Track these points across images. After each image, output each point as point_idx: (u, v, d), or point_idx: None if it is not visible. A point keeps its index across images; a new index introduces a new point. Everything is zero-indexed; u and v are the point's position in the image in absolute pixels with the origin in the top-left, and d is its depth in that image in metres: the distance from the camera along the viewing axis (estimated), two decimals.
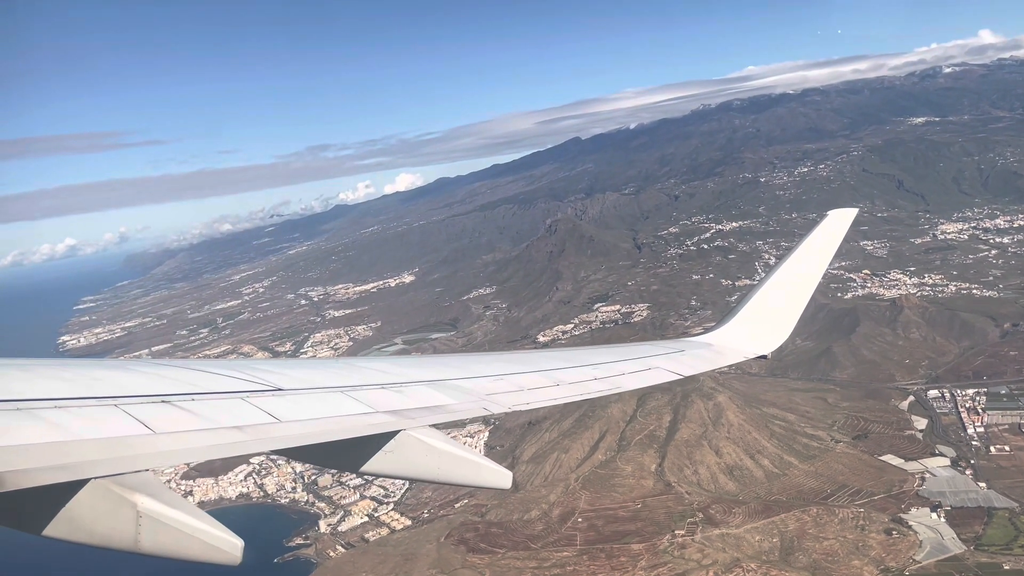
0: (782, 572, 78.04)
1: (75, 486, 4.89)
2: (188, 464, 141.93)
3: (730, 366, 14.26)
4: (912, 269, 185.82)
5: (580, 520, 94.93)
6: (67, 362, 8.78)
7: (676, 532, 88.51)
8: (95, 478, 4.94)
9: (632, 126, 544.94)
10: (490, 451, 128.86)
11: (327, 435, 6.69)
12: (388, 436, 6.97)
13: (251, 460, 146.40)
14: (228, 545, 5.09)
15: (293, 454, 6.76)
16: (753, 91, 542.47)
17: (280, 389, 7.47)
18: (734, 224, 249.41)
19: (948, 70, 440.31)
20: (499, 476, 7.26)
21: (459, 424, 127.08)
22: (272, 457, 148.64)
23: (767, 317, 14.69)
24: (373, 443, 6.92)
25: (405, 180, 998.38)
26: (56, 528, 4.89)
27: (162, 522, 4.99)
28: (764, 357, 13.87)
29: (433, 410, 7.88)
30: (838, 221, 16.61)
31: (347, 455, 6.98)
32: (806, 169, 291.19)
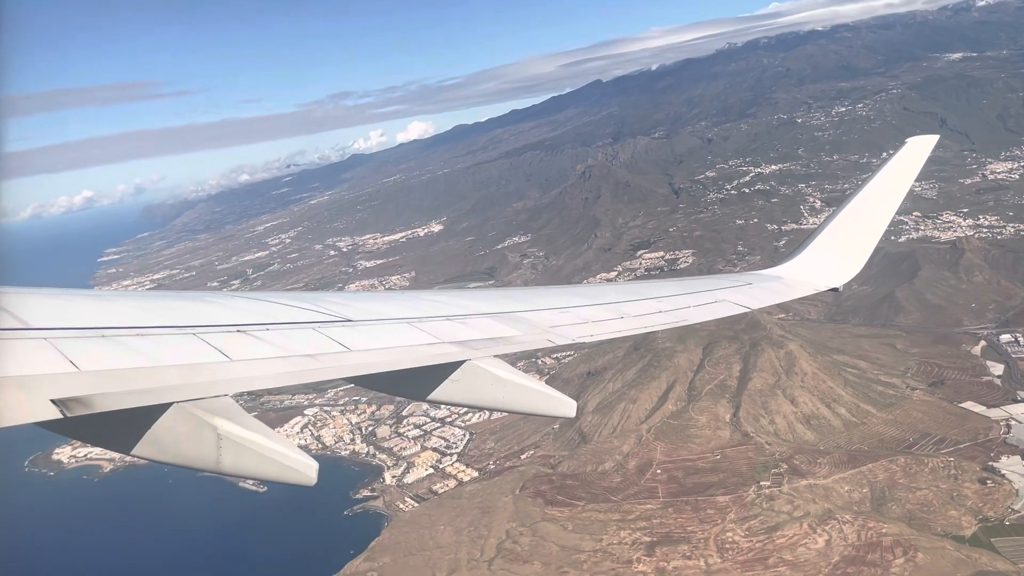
0: (880, 524, 76.62)
1: (159, 409, 5.07)
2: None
3: (800, 299, 13.84)
4: (965, 210, 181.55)
5: (659, 472, 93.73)
6: (145, 294, 9.19)
7: (761, 483, 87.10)
8: (178, 402, 5.13)
9: (654, 67, 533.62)
10: None
11: (396, 364, 6.88)
12: (454, 366, 7.09)
13: (305, 412, 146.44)
14: (303, 467, 5.25)
15: (363, 382, 7.00)
16: (781, 28, 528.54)
17: (350, 320, 7.63)
18: (774, 167, 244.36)
19: (982, 3, 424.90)
20: (564, 405, 7.36)
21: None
22: (326, 408, 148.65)
23: (840, 249, 14.27)
24: (440, 372, 7.07)
25: (418, 128, 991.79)
26: (143, 448, 5.12)
27: (242, 444, 5.15)
28: (836, 290, 13.58)
29: (498, 341, 7.91)
30: (917, 149, 15.67)
31: (415, 383, 7.13)
32: (843, 109, 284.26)
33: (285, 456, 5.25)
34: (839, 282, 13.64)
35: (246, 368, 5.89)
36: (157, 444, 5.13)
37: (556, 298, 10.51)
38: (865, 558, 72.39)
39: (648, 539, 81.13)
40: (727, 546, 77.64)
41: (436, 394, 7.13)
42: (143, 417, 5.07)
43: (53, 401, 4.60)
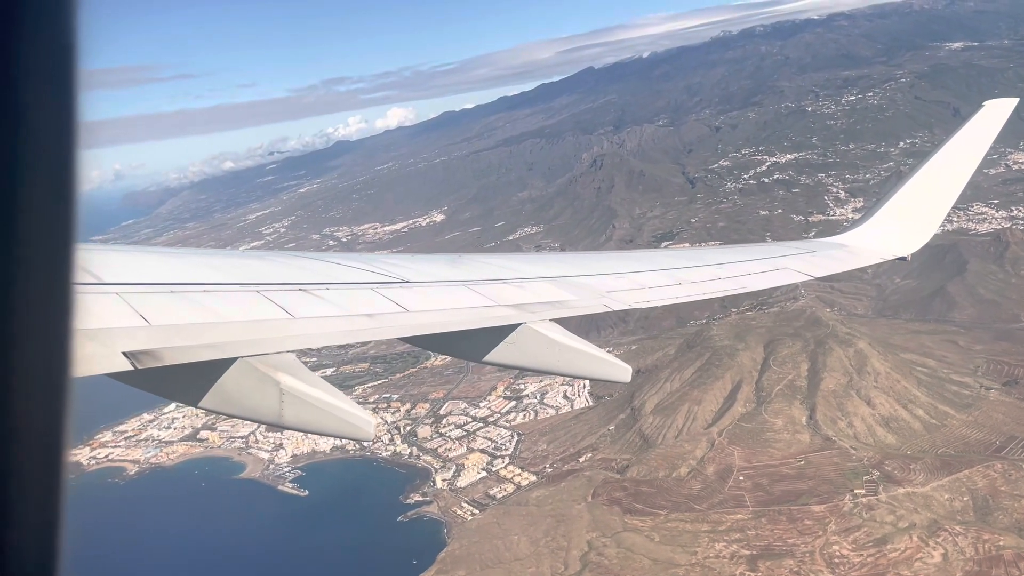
0: (995, 535, 73.41)
1: (225, 363, 5.17)
2: None
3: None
4: (995, 202, 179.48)
5: (742, 479, 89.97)
6: (212, 251, 9.66)
7: (856, 491, 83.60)
8: (243, 357, 5.21)
9: (645, 55, 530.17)
10: (597, 400, 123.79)
11: (452, 325, 6.83)
12: (510, 328, 6.99)
13: None
14: (362, 422, 5.39)
15: (420, 342, 7.19)
16: (776, 17, 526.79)
17: (407, 281, 7.58)
18: (790, 156, 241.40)
19: None
20: (619, 370, 7.26)
21: None
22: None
23: (908, 216, 13.68)
24: (496, 334, 6.98)
25: (397, 115, 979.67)
26: (209, 401, 5.24)
27: (303, 399, 5.26)
28: (903, 259, 13.17)
29: (553, 305, 7.82)
30: (994, 113, 14.82)
31: (471, 345, 7.08)
32: (853, 97, 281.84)
33: (344, 412, 5.32)
34: (907, 251, 13.12)
35: (308, 326, 5.91)
36: (223, 397, 5.21)
37: (612, 263, 10.45)
38: (989, 573, 69.19)
39: (747, 552, 77.37)
40: (836, 560, 74.10)
41: (492, 356, 7.03)
42: (210, 371, 5.13)
43: (125, 354, 4.66)
